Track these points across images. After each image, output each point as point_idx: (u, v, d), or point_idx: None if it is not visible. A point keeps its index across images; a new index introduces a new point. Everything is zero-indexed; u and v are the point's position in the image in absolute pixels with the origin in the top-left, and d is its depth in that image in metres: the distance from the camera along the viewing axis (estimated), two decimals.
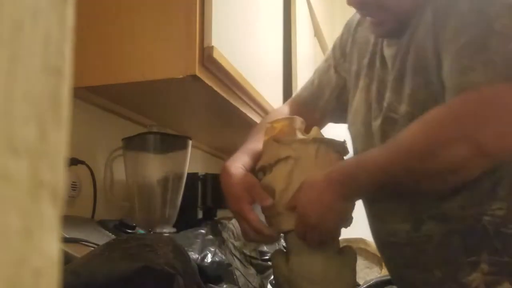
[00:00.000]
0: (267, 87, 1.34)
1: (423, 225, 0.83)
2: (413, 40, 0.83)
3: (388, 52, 0.91)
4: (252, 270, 1.01)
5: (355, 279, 0.90)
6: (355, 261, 0.91)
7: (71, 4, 0.21)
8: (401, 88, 0.84)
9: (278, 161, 0.90)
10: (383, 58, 0.92)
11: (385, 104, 0.87)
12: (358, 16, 1.04)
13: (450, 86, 0.73)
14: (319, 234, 0.82)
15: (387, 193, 0.85)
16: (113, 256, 0.71)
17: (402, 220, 0.86)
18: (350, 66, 1.02)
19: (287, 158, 0.89)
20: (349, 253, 0.90)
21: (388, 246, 0.91)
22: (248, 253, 1.04)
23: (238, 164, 0.92)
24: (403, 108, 0.82)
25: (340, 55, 1.07)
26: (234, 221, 1.05)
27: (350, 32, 1.05)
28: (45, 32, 0.20)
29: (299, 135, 0.92)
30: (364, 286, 1.10)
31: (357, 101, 0.97)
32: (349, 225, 0.93)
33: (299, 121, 0.96)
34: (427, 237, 0.83)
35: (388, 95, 0.87)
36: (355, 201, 0.83)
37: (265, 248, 1.16)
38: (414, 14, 0.84)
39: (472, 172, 0.72)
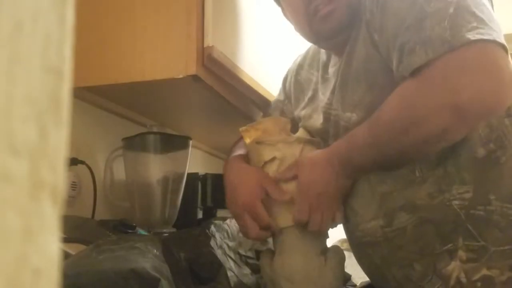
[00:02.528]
0: (270, 86, 1.33)
1: (394, 218, 0.84)
2: (353, 53, 0.87)
3: (332, 70, 0.96)
4: (247, 270, 1.01)
5: (339, 280, 0.89)
6: (342, 261, 0.90)
7: (71, 4, 0.21)
8: (346, 96, 0.88)
9: (265, 163, 0.90)
10: (325, 81, 0.97)
11: (332, 114, 0.92)
12: (299, 60, 1.12)
13: (399, 72, 0.77)
14: (322, 214, 0.84)
15: (358, 191, 0.87)
16: (100, 258, 0.71)
17: (374, 216, 0.86)
18: (294, 109, 1.09)
19: (273, 159, 0.89)
20: (335, 253, 0.89)
21: (364, 247, 0.90)
22: (243, 253, 1.04)
23: (244, 160, 0.96)
24: (353, 118, 0.86)
25: (285, 97, 1.14)
26: (229, 221, 1.05)
27: (292, 74, 1.12)
28: (45, 32, 0.20)
29: (283, 135, 0.92)
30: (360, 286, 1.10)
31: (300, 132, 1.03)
32: (339, 223, 0.93)
33: (283, 121, 0.96)
34: (400, 230, 0.84)
35: (334, 106, 0.92)
36: (353, 178, 0.85)
37: (262, 248, 1.15)
38: (359, 11, 0.87)
39: (456, 136, 0.76)
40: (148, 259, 0.72)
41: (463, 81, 0.70)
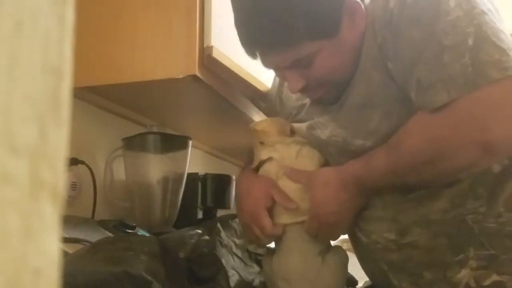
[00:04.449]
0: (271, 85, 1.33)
1: (408, 233, 0.84)
2: (362, 80, 0.83)
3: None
4: (255, 268, 1.01)
5: (338, 280, 0.89)
6: (342, 262, 0.89)
7: (71, 4, 0.21)
8: (357, 124, 0.85)
9: (262, 162, 0.91)
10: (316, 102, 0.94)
11: (340, 139, 0.88)
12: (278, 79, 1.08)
13: (419, 105, 0.75)
14: (332, 231, 0.85)
15: (370, 204, 0.86)
16: (95, 258, 0.72)
17: (386, 230, 0.86)
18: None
19: (270, 159, 0.90)
20: (335, 253, 0.89)
21: (371, 253, 0.90)
22: (253, 250, 1.04)
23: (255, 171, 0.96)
24: (367, 144, 0.83)
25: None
26: (237, 219, 1.05)
27: (276, 93, 1.09)
28: (45, 32, 0.20)
29: (281, 136, 0.92)
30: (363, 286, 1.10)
31: None
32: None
33: (281, 122, 0.96)
34: (413, 243, 0.83)
35: (339, 131, 0.88)
36: (368, 197, 0.85)
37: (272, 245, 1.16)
38: (352, 73, 0.84)
39: (481, 168, 0.76)
40: (143, 260, 0.72)
41: (491, 119, 0.70)
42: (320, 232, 0.85)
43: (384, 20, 0.78)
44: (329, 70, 0.82)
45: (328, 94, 0.87)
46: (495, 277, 0.79)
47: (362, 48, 0.82)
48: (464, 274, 0.80)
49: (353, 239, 0.95)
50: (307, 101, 0.97)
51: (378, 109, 0.81)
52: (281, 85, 1.07)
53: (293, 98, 1.01)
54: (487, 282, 0.79)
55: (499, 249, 0.79)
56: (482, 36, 0.70)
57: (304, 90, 0.87)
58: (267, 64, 0.85)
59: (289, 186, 0.88)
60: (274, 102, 1.10)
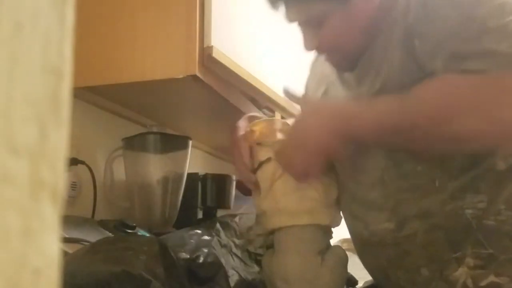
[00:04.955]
0: (271, 85, 1.33)
1: (406, 223, 0.83)
2: (383, 62, 0.83)
3: (349, 75, 0.92)
4: (255, 268, 1.01)
5: (339, 280, 0.89)
6: (342, 261, 0.89)
7: (71, 4, 0.21)
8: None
9: (261, 163, 0.91)
10: (343, 81, 0.93)
11: None
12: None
13: (447, 68, 0.74)
14: (300, 158, 0.82)
15: (370, 192, 0.86)
16: (95, 258, 0.72)
17: (386, 219, 0.85)
18: None
19: (268, 159, 0.90)
20: (334, 253, 0.89)
21: (370, 248, 0.90)
22: (253, 251, 1.04)
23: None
24: None
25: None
26: (237, 219, 1.06)
27: (310, 69, 1.09)
28: (45, 32, 0.20)
29: (280, 136, 0.92)
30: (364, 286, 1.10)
31: None
32: (338, 225, 0.93)
33: (278, 122, 0.96)
34: (411, 236, 0.83)
35: None
36: (347, 144, 0.80)
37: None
38: (369, 44, 0.84)
39: (483, 147, 0.74)
40: (142, 260, 0.72)
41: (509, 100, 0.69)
42: (289, 157, 0.83)
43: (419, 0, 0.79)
44: (336, 36, 0.83)
45: (344, 61, 0.88)
46: (492, 278, 0.78)
47: (382, 25, 0.82)
48: (461, 273, 0.80)
49: (353, 234, 0.95)
50: (330, 79, 0.97)
51: (394, 93, 0.80)
52: (315, 60, 1.07)
53: (325, 73, 1.00)
54: (484, 283, 0.79)
55: (497, 249, 0.78)
56: None
57: (318, 51, 0.90)
58: (287, 17, 0.87)
59: (288, 186, 0.88)
60: (307, 86, 1.09)
